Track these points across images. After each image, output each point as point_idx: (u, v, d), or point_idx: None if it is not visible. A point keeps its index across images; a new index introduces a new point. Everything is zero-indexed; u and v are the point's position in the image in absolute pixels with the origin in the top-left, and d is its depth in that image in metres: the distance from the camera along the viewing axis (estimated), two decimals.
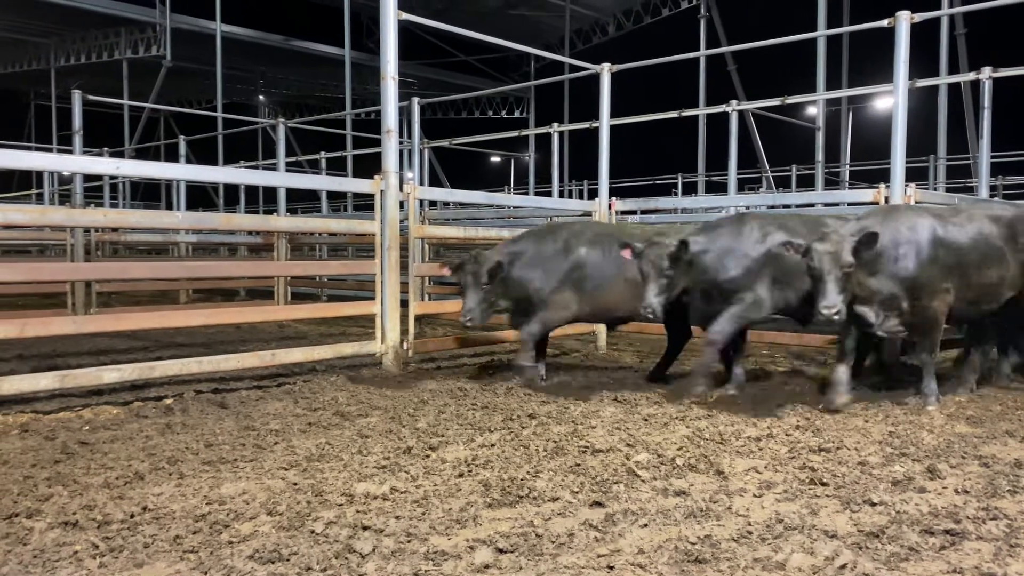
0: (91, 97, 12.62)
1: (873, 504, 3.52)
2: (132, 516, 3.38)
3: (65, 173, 18.06)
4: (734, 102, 12.29)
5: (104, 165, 8.80)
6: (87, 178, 15.01)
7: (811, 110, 18.98)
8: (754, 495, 3.71)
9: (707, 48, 21.34)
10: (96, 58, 24.59)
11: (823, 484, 3.84)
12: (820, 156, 17.53)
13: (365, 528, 3.23)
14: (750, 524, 3.29)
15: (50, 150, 21.10)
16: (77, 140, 12.11)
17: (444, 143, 15.07)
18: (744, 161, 14.09)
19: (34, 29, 24.06)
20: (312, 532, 3.19)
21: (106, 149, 17.87)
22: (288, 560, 2.92)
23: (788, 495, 3.70)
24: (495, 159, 30.59)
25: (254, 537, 3.16)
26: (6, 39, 24.65)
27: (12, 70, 27.18)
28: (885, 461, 4.25)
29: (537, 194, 18.07)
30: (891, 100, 7.73)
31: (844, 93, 17.75)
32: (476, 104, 32.68)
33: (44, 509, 3.48)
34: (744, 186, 18.25)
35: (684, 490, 3.75)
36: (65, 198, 18.30)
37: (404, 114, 14.18)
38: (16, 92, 31.25)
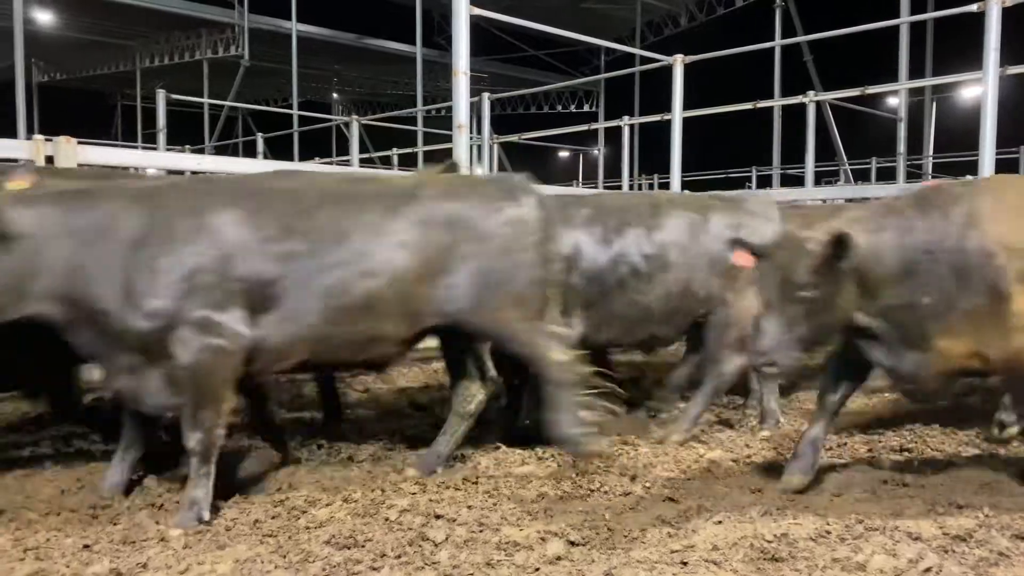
0: (174, 96, 13.03)
1: (960, 507, 3.38)
2: (213, 500, 3.49)
3: (150, 170, 18.72)
4: (811, 93, 11.93)
5: (187, 161, 9.17)
6: (169, 174, 15.52)
7: (892, 100, 18.29)
8: (833, 495, 3.61)
9: (783, 38, 20.80)
10: (178, 59, 25.38)
11: (905, 485, 3.72)
12: (902, 148, 16.85)
13: (438, 517, 3.27)
14: (828, 524, 3.20)
15: (135, 148, 21.88)
16: (161, 138, 12.54)
17: (514, 138, 15.04)
18: (821, 154, 13.68)
19: (121, 32, 24.96)
20: (386, 520, 3.24)
21: (187, 147, 18.45)
22: (363, 546, 2.98)
23: (869, 495, 3.59)
24: (564, 154, 30.44)
25: (330, 523, 3.23)
26: (95, 43, 25.64)
27: (100, 72, 28.28)
28: (971, 463, 4.08)
29: (606, 188, 17.91)
30: (979, 89, 7.40)
31: (928, 82, 17.07)
32: (545, 99, 32.55)
33: (132, 493, 3.63)
34: (821, 179, 17.69)
35: (760, 488, 3.68)
36: None
37: (474, 110, 14.22)
38: (104, 93, 32.50)
